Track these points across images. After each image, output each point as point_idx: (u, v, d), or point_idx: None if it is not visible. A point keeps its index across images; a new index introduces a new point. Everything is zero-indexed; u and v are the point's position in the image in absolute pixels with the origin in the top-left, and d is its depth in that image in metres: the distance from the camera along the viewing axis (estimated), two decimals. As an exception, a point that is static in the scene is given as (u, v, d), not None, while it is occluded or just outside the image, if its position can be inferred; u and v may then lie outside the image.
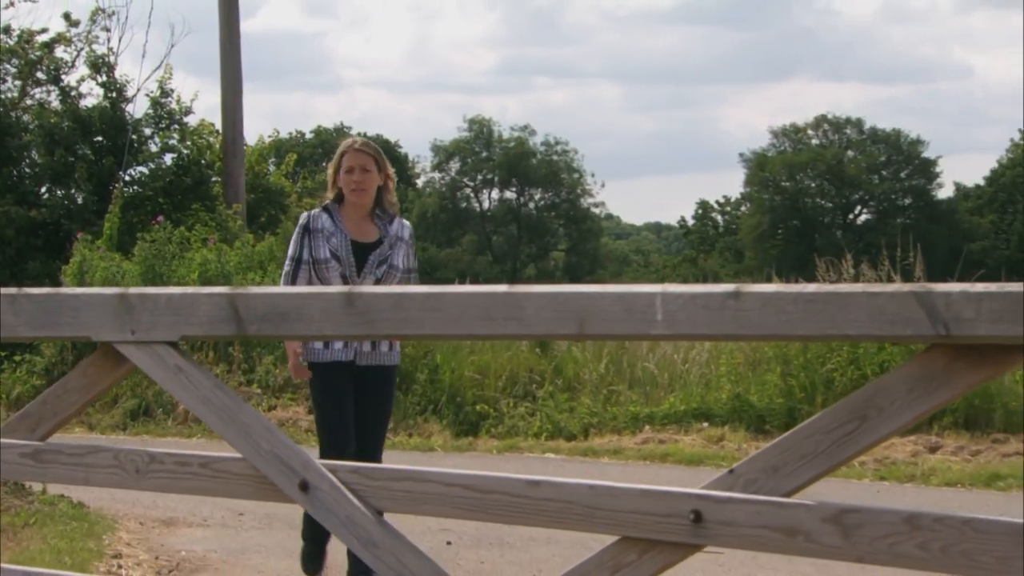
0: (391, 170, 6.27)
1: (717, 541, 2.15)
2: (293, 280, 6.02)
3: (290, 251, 6.11)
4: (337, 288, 2.52)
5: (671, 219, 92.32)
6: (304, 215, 6.20)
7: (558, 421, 12.07)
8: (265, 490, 2.63)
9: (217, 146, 19.96)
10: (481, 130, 61.85)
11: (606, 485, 2.32)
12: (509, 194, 61.61)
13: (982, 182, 61.43)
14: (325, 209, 6.13)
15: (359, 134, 58.29)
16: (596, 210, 63.50)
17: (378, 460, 6.12)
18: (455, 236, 58.79)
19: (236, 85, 18.82)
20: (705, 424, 11.52)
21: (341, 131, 60.29)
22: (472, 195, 62.13)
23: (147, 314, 2.67)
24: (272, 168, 22.38)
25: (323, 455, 5.79)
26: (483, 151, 61.16)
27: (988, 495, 8.92)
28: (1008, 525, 1.96)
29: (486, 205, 61.69)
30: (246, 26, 20.46)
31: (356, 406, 6.03)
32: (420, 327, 2.41)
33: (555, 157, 61.00)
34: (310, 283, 5.94)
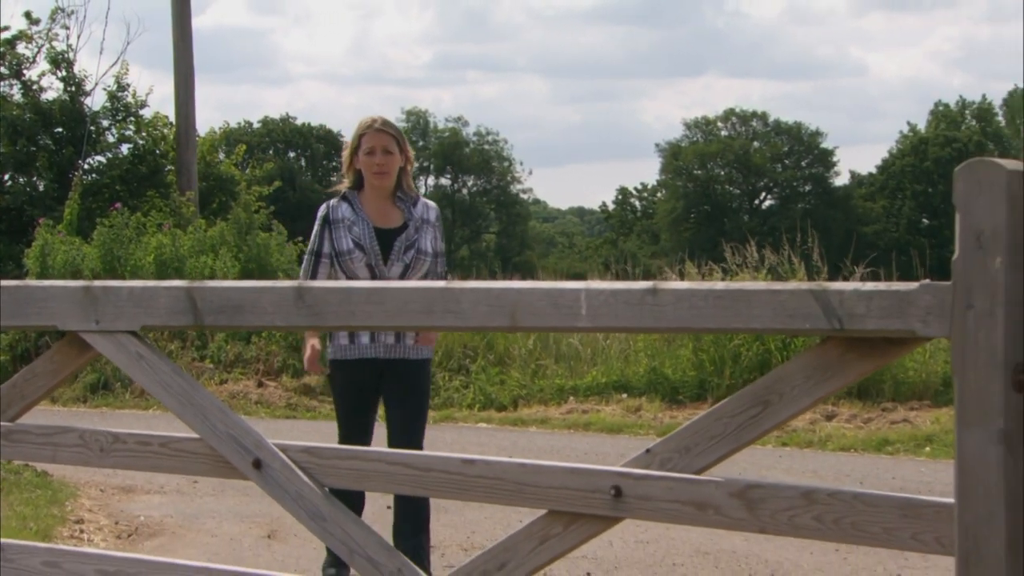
0: (411, 152, 5.57)
1: (635, 514, 2.18)
2: (313, 275, 5.34)
3: (310, 244, 5.43)
4: (288, 283, 2.53)
5: (593, 204, 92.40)
6: (323, 206, 5.45)
7: (490, 393, 12.13)
8: (221, 468, 2.64)
9: (171, 137, 19.81)
10: (418, 121, 61.70)
11: (534, 463, 2.32)
12: (444, 180, 61.57)
13: (875, 171, 62.10)
14: (344, 198, 5.41)
15: (308, 124, 57.52)
16: (524, 195, 63.68)
17: None
18: (394, 219, 58.53)
19: (188, 80, 18.65)
20: (624, 395, 11.61)
21: (287, 121, 59.75)
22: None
23: (110, 305, 2.67)
24: (223, 157, 22.23)
25: None
26: (419, 140, 60.92)
27: (879, 459, 9.08)
28: (893, 499, 2.01)
29: (423, 191, 61.45)
30: (197, 22, 20.29)
31: (386, 405, 5.42)
32: (366, 319, 2.43)
33: (486, 146, 61.01)
34: (333, 277, 5.31)
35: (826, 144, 62.32)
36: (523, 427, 11.14)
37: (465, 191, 61.51)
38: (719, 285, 2.10)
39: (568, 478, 2.25)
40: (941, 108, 64.59)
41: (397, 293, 2.37)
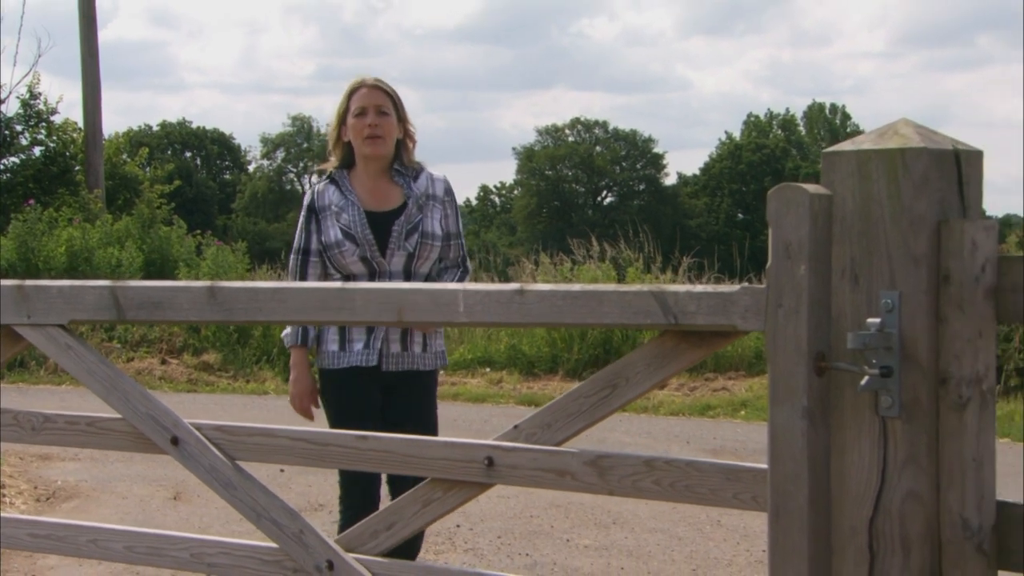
0: (412, 125, 4.00)
1: (506, 480, 2.23)
2: (302, 275, 3.89)
3: (295, 241, 3.96)
4: (202, 283, 2.50)
5: (459, 200, 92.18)
6: (307, 192, 3.99)
7: (370, 367, 12.09)
8: (142, 444, 2.63)
9: (79, 140, 19.25)
10: (302, 125, 60.75)
11: (418, 439, 2.36)
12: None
13: (698, 172, 63.18)
14: (331, 179, 3.93)
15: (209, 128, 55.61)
16: (397, 192, 63.09)
17: None
18: (281, 213, 57.43)
19: (95, 90, 18.17)
20: (487, 369, 11.67)
21: (183, 124, 58.31)
22: (295, 179, 60.97)
23: (41, 302, 2.64)
24: (127, 159, 21.65)
25: (343, 500, 3.93)
26: (304, 143, 60.04)
27: (702, 422, 9.31)
28: (719, 465, 2.10)
29: (307, 187, 60.67)
30: (102, 35, 19.73)
31: (386, 425, 3.70)
32: (271, 314, 2.43)
33: (363, 149, 60.35)
34: (325, 276, 3.88)
35: (657, 149, 63.12)
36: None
37: (345, 188, 60.83)
38: (576, 287, 2.16)
39: (448, 451, 2.29)
40: (752, 119, 65.97)
41: (299, 292, 2.38)
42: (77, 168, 19.30)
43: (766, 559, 5.13)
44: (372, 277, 3.81)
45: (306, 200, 3.99)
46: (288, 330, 3.94)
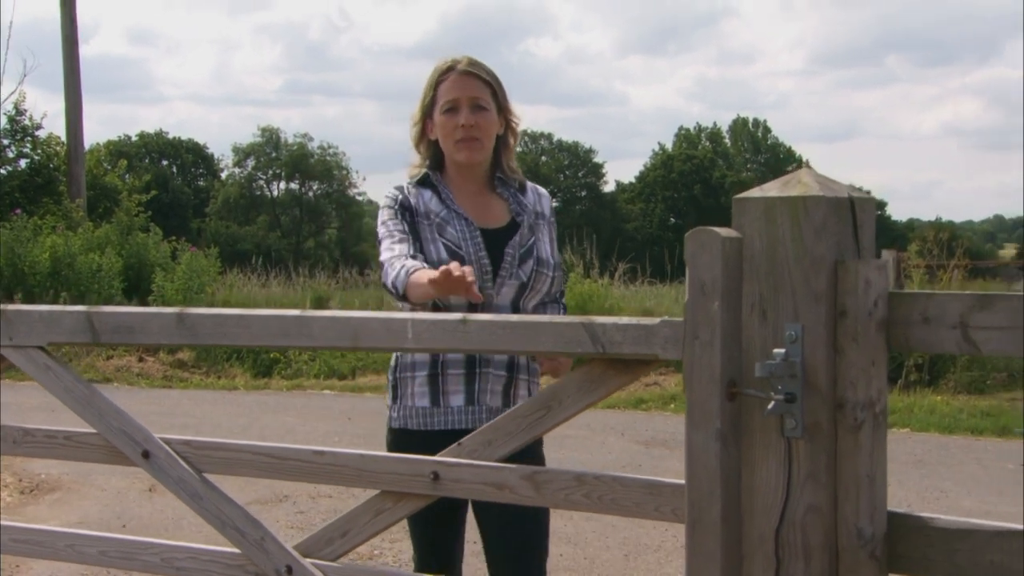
0: (515, 113, 2.93)
1: (450, 492, 2.23)
2: (403, 288, 2.59)
3: (384, 247, 2.72)
4: (171, 310, 2.48)
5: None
6: (393, 189, 2.84)
7: (333, 365, 12.01)
8: (115, 457, 2.60)
9: (62, 153, 18.98)
10: (271, 136, 60.20)
11: (372, 454, 2.34)
12: (293, 185, 60.13)
13: (634, 180, 63.51)
14: (424, 181, 2.84)
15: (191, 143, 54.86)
16: (360, 197, 62.62)
17: None
18: (251, 217, 57.01)
19: (77, 106, 17.90)
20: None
21: (160, 134, 57.59)
22: (264, 186, 60.44)
23: (22, 326, 2.61)
24: (108, 168, 21.38)
25: (417, 565, 2.87)
26: (272, 152, 59.51)
27: (636, 414, 9.35)
28: (641, 480, 2.10)
29: (275, 193, 60.07)
30: (83, 51, 19.51)
31: (479, 512, 2.78)
32: (235, 339, 2.40)
33: (328, 157, 59.86)
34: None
35: (597, 159, 63.35)
36: (360, 393, 11.09)
37: (311, 194, 60.24)
38: (514, 318, 2.17)
39: (397, 465, 2.28)
40: (683, 132, 66.41)
41: (262, 320, 2.36)
42: (61, 179, 19.05)
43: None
44: (472, 309, 2.66)
45: (393, 200, 2.79)
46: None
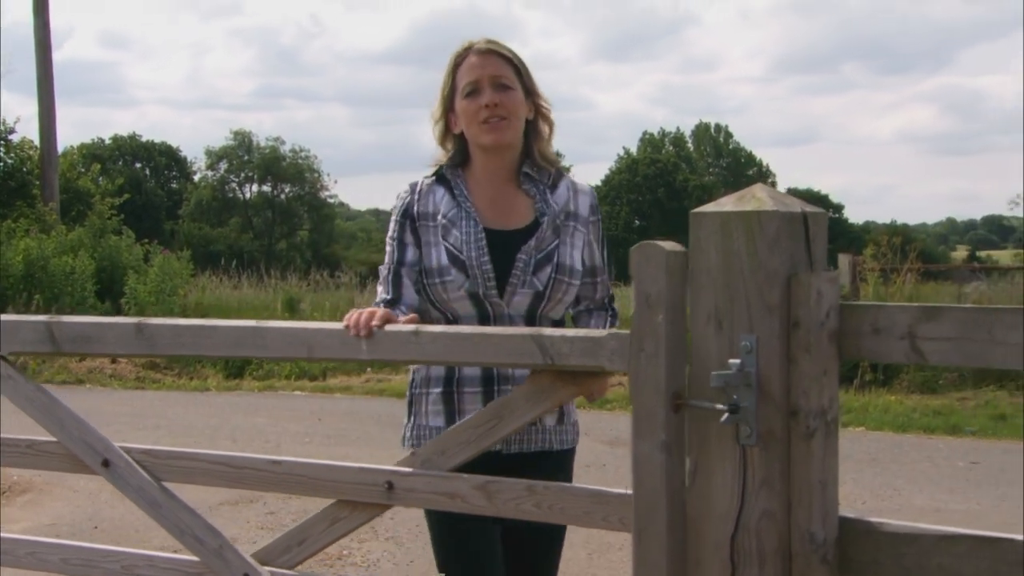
0: (545, 99, 2.60)
1: (404, 502, 2.20)
2: (395, 294, 2.49)
3: (388, 252, 2.56)
4: (129, 320, 2.39)
5: (386, 206, 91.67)
6: (404, 189, 2.59)
7: (304, 366, 11.92)
8: (76, 465, 2.54)
9: (36, 157, 18.74)
10: (243, 139, 59.78)
11: (327, 464, 2.31)
12: (265, 188, 59.77)
13: (600, 183, 63.62)
14: (439, 178, 2.57)
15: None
16: (331, 200, 62.43)
17: None
18: (224, 219, 56.60)
19: (50, 110, 17.69)
20: (409, 365, 11.60)
21: (133, 137, 57.02)
22: (237, 188, 60.01)
23: (-18, 335, 2.57)
24: (82, 171, 21.15)
25: None
26: (245, 155, 59.11)
27: (601, 414, 9.35)
28: (589, 490, 2.08)
29: (248, 196, 59.67)
30: (57, 55, 19.27)
31: (507, 531, 2.52)
32: (192, 349, 2.36)
33: (300, 160, 59.53)
34: (421, 308, 2.50)
35: (565, 162, 62.73)
36: (330, 393, 11.03)
37: (283, 196, 59.90)
38: (466, 329, 2.15)
39: (353, 475, 2.25)
40: (647, 136, 66.67)
41: (220, 330, 2.32)
42: (34, 183, 18.83)
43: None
44: (484, 321, 2.46)
45: (400, 202, 2.55)
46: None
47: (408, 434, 2.59)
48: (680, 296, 1.93)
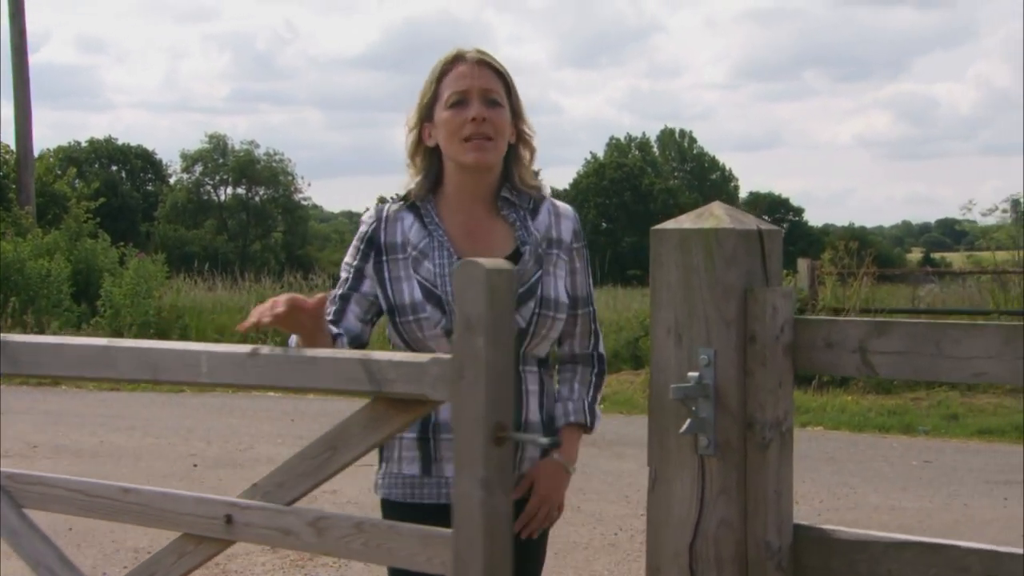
0: (528, 120, 2.36)
1: (242, 537, 2.06)
2: (339, 313, 2.27)
3: (342, 277, 2.32)
4: (10, 338, 2.19)
5: (359, 208, 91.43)
6: (372, 210, 2.33)
7: (277, 366, 11.85)
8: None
9: (12, 162, 18.49)
10: (218, 143, 59.43)
11: (173, 493, 2.16)
12: (240, 190, 59.41)
13: (568, 186, 63.74)
14: (408, 204, 2.30)
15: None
16: (305, 202, 62.12)
17: None
18: (199, 221, 56.18)
19: (26, 115, 17.48)
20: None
21: (109, 140, 56.47)
22: (212, 190, 59.59)
23: None
24: (59, 173, 20.91)
25: None
26: (220, 158, 58.74)
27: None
28: (417, 529, 1.97)
29: (223, 198, 59.28)
30: (33, 59, 18.96)
31: None
32: (48, 368, 2.26)
33: (274, 164, 59.24)
34: (392, 343, 2.28)
35: (535, 166, 63.30)
36: (303, 395, 10.97)
37: (258, 199, 59.59)
38: (308, 352, 2.00)
39: (195, 506, 2.10)
40: (614, 141, 66.84)
41: (73, 349, 2.22)
42: (10, 187, 18.59)
43: (618, 542, 5.21)
44: None
45: (365, 227, 2.28)
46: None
47: (380, 481, 2.31)
48: (505, 319, 1.78)
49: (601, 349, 2.41)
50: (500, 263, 1.80)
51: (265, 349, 2.01)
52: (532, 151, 2.35)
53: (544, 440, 1.89)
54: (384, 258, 2.25)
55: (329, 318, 2.21)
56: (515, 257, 2.25)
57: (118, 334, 12.39)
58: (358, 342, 2.26)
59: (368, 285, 2.26)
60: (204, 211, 57.38)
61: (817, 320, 1.94)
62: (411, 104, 2.34)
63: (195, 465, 7.12)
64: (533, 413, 2.24)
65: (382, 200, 2.43)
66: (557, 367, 2.40)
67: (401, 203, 2.30)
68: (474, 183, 2.27)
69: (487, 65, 2.26)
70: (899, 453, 7.93)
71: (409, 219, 2.28)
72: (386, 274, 2.24)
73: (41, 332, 12.61)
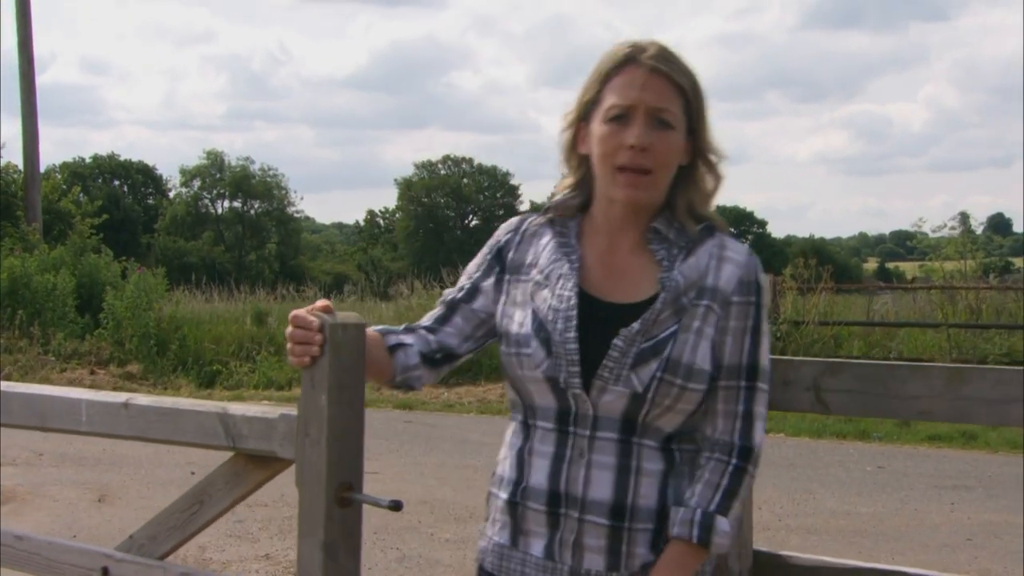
0: (711, 134, 1.69)
1: None
2: (441, 321, 1.77)
3: (460, 283, 1.79)
4: None
5: (349, 220, 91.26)
6: (511, 222, 1.81)
7: (271, 376, 11.84)
8: None
9: (20, 180, 18.37)
10: (216, 159, 59.05)
11: (58, 542, 2.12)
12: (236, 204, 59.08)
13: (546, 200, 63.24)
14: (549, 218, 1.76)
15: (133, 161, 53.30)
16: (297, 214, 61.78)
17: None
18: (197, 232, 55.80)
19: (34, 136, 17.33)
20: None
21: (112, 156, 56.12)
22: (209, 204, 59.22)
23: None
24: (65, 189, 20.76)
25: None
26: (217, 173, 58.44)
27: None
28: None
29: (220, 211, 58.92)
30: (40, 79, 18.88)
31: None
32: None
33: (268, 178, 58.92)
34: (509, 371, 1.68)
35: (514, 181, 63.47)
36: (296, 403, 10.93)
37: (253, 211, 59.29)
38: (166, 402, 1.92)
39: (76, 557, 2.04)
40: (591, 158, 66.60)
41: None
42: (18, 204, 18.45)
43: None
44: (564, 417, 1.65)
45: (498, 238, 1.80)
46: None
47: (481, 545, 1.78)
48: (352, 376, 1.61)
49: (752, 441, 1.67)
50: (349, 316, 1.58)
51: (139, 399, 1.91)
52: (717, 179, 1.72)
53: (384, 501, 1.61)
54: (507, 277, 1.75)
55: (426, 323, 1.79)
56: (650, 302, 1.65)
57: (120, 345, 12.35)
58: (451, 358, 1.78)
59: (481, 302, 1.76)
60: (202, 223, 57.08)
61: (774, 360, 1.96)
62: (573, 100, 1.76)
63: (192, 473, 7.08)
64: (645, 499, 1.62)
65: (535, 208, 2.01)
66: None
67: (541, 217, 1.79)
68: (622, 216, 1.70)
69: (665, 76, 1.66)
70: (855, 459, 7.98)
71: (547, 236, 1.75)
72: (503, 296, 1.74)
73: (47, 343, 12.54)
